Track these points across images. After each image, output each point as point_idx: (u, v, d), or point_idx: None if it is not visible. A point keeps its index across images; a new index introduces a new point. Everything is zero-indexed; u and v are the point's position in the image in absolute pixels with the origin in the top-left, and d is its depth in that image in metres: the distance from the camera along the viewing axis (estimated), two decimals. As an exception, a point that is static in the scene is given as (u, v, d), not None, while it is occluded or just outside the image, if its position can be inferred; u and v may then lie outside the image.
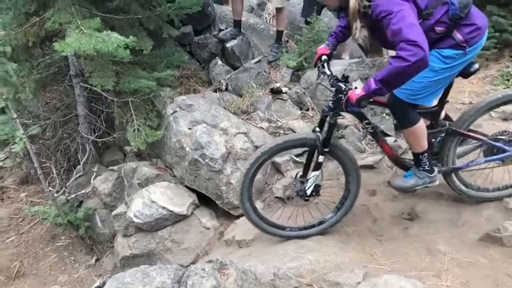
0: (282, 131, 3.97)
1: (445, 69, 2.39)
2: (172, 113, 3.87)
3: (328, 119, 2.63)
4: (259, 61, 4.86)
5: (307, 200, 2.91)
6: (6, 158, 5.62)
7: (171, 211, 3.51)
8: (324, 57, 2.83)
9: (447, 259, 2.63)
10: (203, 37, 5.23)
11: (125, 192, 3.92)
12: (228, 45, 5.07)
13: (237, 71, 4.72)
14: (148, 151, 4.12)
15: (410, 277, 2.43)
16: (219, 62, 4.95)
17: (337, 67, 4.26)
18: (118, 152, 4.62)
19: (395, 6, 2.12)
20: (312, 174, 2.79)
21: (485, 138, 2.81)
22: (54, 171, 4.63)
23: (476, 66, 2.53)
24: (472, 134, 2.79)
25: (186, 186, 3.77)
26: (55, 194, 4.13)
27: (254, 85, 4.43)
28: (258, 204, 3.60)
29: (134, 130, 3.72)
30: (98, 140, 4.31)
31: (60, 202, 4.04)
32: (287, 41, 5.33)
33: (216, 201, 3.64)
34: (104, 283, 2.28)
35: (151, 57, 4.05)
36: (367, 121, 2.72)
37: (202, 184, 3.64)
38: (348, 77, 2.60)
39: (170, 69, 4.03)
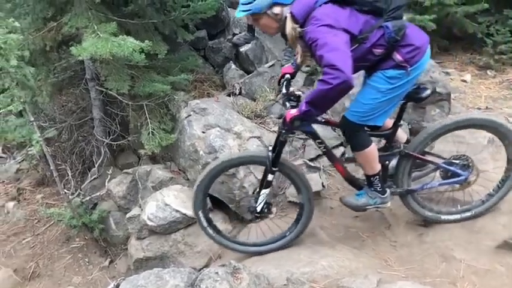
0: (295, 135, 3.96)
1: (391, 89, 2.42)
2: (186, 117, 3.89)
3: (280, 137, 2.67)
4: (272, 65, 4.87)
5: (258, 217, 2.98)
6: (23, 160, 5.71)
7: (185, 214, 3.52)
8: (287, 75, 2.90)
9: (463, 266, 2.60)
10: (217, 41, 5.27)
11: (139, 195, 3.94)
12: (242, 49, 5.09)
13: (250, 75, 4.73)
14: (162, 154, 4.14)
15: (425, 284, 2.41)
16: (233, 66, 4.97)
17: (351, 71, 4.24)
18: (132, 155, 4.65)
19: (321, 33, 2.19)
20: (262, 192, 2.85)
21: (439, 162, 2.84)
22: (70, 174, 4.69)
23: (428, 92, 2.59)
24: (425, 157, 2.81)
25: (200, 190, 3.77)
26: (70, 196, 4.18)
27: (268, 89, 4.43)
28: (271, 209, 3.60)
29: (149, 133, 3.74)
30: (113, 143, 4.35)
31: (75, 204, 4.08)
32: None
33: (229, 205, 3.64)
34: (117, 285, 2.29)
35: (166, 61, 4.08)
36: (319, 140, 2.75)
37: (215, 188, 3.64)
38: (299, 96, 2.65)
39: (184, 73, 4.05)
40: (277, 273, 2.59)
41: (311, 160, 3.81)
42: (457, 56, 6.36)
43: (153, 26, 3.87)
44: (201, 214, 2.96)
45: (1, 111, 3.38)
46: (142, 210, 3.64)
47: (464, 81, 5.56)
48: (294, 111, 2.44)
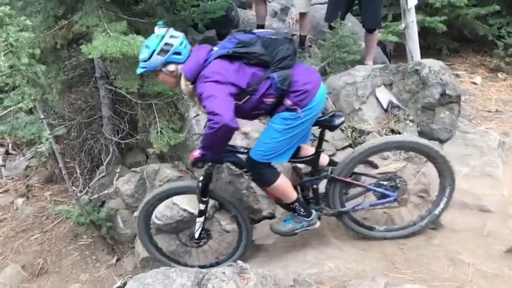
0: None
1: (288, 129, 2.53)
2: (194, 116, 3.90)
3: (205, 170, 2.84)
4: (281, 65, 4.85)
5: (197, 243, 3.15)
6: (32, 158, 5.75)
7: (192, 213, 3.51)
8: None
9: (471, 270, 2.57)
10: (226, 41, 5.26)
11: (147, 194, 3.95)
12: (251, 49, 5.08)
13: (259, 75, 4.72)
14: (170, 153, 4.15)
15: (433, 287, 2.39)
16: (242, 66, 4.96)
17: (360, 72, 4.23)
18: (140, 153, 4.66)
19: (207, 88, 2.36)
20: (197, 220, 3.01)
21: (366, 185, 2.94)
22: (78, 171, 4.71)
23: (342, 119, 2.74)
24: (352, 180, 2.90)
25: (207, 189, 3.78)
26: (78, 194, 4.20)
27: (276, 89, 4.42)
28: (279, 210, 3.60)
29: (157, 132, 3.75)
30: (121, 141, 4.37)
31: (83, 202, 4.10)
32: (310, 46, 5.31)
33: (237, 205, 3.64)
34: (125, 283, 2.30)
35: (175, 61, 4.09)
36: (245, 169, 2.85)
37: (222, 188, 3.65)
38: None
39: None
40: (283, 274, 2.59)
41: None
42: (468, 58, 6.33)
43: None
44: (150, 246, 3.26)
45: (12, 108, 3.41)
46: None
47: (475, 83, 5.53)
48: (196, 153, 2.66)
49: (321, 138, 2.81)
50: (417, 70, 4.06)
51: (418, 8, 5.42)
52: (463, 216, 3.10)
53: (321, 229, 3.17)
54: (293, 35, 2.65)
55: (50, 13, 3.63)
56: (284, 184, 2.74)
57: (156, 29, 2.52)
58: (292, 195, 2.79)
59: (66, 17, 3.64)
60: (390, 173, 3.06)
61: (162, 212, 3.51)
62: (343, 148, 3.88)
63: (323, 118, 2.70)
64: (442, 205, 2.97)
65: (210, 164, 2.78)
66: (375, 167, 3.15)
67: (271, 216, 3.58)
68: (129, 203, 4.11)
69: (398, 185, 2.92)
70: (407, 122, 4.05)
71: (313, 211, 2.90)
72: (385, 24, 5.74)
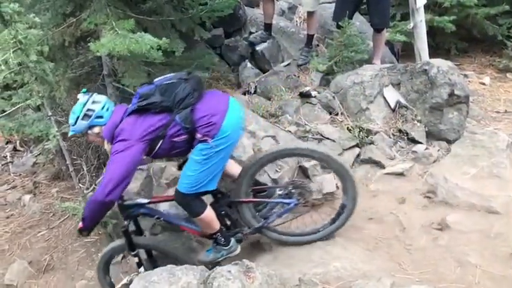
0: (310, 135, 3.94)
1: (206, 159, 2.62)
2: (201, 115, 3.89)
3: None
4: (288, 64, 4.85)
5: None
6: (40, 154, 5.78)
7: (198, 212, 3.52)
8: None
9: (478, 272, 2.56)
10: (233, 40, 5.26)
11: (153, 192, 3.95)
12: (258, 48, 5.08)
13: (266, 74, 4.72)
14: (176, 151, 4.15)
15: (440, 289, 2.37)
16: (249, 64, 4.97)
17: (368, 72, 4.21)
18: (147, 151, 4.67)
19: (114, 149, 2.52)
20: (140, 270, 3.05)
21: (266, 200, 3.05)
22: (85, 169, 4.73)
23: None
24: (252, 199, 3.02)
25: (213, 187, 3.78)
26: (85, 191, 4.22)
27: (283, 88, 4.42)
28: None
29: (163, 130, 3.75)
30: (128, 139, 4.37)
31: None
32: (317, 45, 5.29)
33: (242, 204, 3.64)
34: (131, 281, 2.31)
35: (182, 59, 4.08)
36: (157, 216, 3.07)
37: (228, 186, 3.64)
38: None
39: (201, 71, 4.05)
40: (289, 274, 2.59)
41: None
42: (476, 58, 6.28)
43: (170, 24, 3.88)
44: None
45: (20, 105, 3.43)
46: (155, 206, 3.65)
47: (483, 83, 5.50)
48: (80, 224, 2.80)
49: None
50: (425, 70, 4.03)
51: (427, 8, 5.38)
52: (471, 218, 3.07)
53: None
54: (189, 73, 2.75)
55: (58, 11, 3.64)
56: (210, 215, 2.84)
57: (80, 96, 2.70)
58: (216, 225, 2.90)
59: (75, 14, 3.65)
60: (289, 182, 3.16)
61: (168, 210, 3.51)
62: (350, 148, 3.87)
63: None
64: (338, 223, 3.03)
65: (124, 225, 2.97)
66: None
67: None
68: (135, 200, 4.12)
69: (293, 190, 3.01)
70: (415, 122, 4.03)
71: (232, 238, 3.01)
72: (393, 23, 5.71)
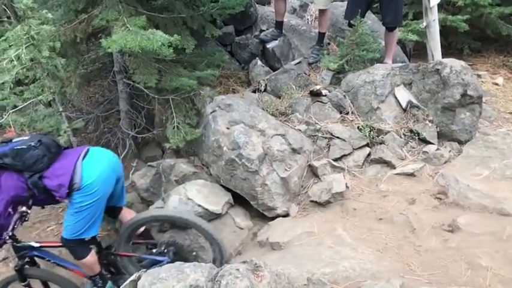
0: (320, 134, 3.92)
1: (77, 212, 2.80)
2: (211, 112, 3.90)
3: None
4: (299, 63, 4.83)
5: None
6: (50, 150, 5.82)
7: (206, 209, 3.53)
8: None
9: (490, 275, 2.52)
10: (244, 37, 5.25)
11: (162, 188, 3.97)
12: (269, 46, 5.06)
13: (276, 72, 4.70)
14: (186, 149, 4.15)
15: (450, 291, 2.35)
16: (259, 62, 4.95)
17: (379, 71, 4.18)
18: (157, 148, 4.68)
19: None
20: None
21: (139, 255, 3.29)
22: (95, 165, 4.75)
23: (124, 203, 3.27)
24: (125, 254, 3.26)
25: (222, 185, 3.77)
26: (95, 187, 4.23)
27: (293, 87, 4.40)
28: (293, 208, 3.58)
29: (174, 127, 3.76)
30: (138, 135, 4.39)
31: (99, 195, 4.13)
32: (328, 43, 5.27)
33: (251, 202, 3.63)
34: (139, 277, 2.31)
35: (192, 56, 4.09)
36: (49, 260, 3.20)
37: (237, 184, 3.64)
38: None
39: (211, 69, 4.05)
40: (297, 273, 2.57)
41: (335, 160, 3.77)
42: (490, 58, 6.21)
43: (181, 21, 3.88)
44: None
45: (31, 100, 3.45)
46: (165, 203, 3.66)
47: (496, 84, 5.43)
48: None
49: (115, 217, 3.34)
50: (438, 70, 3.99)
51: (440, 7, 5.33)
52: (482, 220, 3.03)
53: (336, 228, 3.15)
54: (39, 140, 2.81)
55: (70, 7, 3.66)
56: (92, 259, 3.06)
57: None
58: (97, 269, 3.14)
59: (86, 11, 3.66)
60: (166, 241, 3.35)
61: (177, 207, 3.52)
62: (361, 147, 3.84)
63: (111, 205, 3.13)
64: None
65: (16, 263, 3.10)
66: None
67: (286, 215, 3.56)
68: (144, 197, 4.13)
69: (167, 250, 3.27)
70: (427, 122, 3.99)
71: (110, 281, 3.23)
72: (406, 22, 5.66)
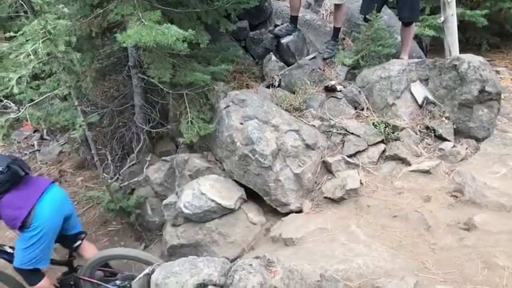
0: (334, 130, 3.89)
1: (26, 247, 2.93)
2: (225, 107, 3.90)
3: None
4: (314, 58, 4.79)
5: None
6: (65, 143, 5.90)
7: (220, 204, 3.53)
8: None
9: (506, 274, 2.48)
10: (258, 32, 5.23)
11: (176, 183, 3.98)
12: (283, 41, 5.03)
13: (291, 67, 4.68)
14: (199, 144, 4.16)
15: (466, 290, 2.31)
16: (273, 57, 4.93)
17: (395, 67, 4.12)
18: (170, 143, 4.71)
19: None
20: None
21: (103, 284, 3.35)
22: (109, 158, 4.80)
23: (79, 242, 3.28)
24: (89, 279, 3.32)
25: (235, 181, 3.78)
26: (109, 181, 4.27)
27: (308, 82, 4.37)
28: (306, 204, 3.57)
29: (188, 122, 3.77)
30: (152, 130, 4.42)
31: (113, 188, 4.17)
32: (343, 38, 5.21)
33: (264, 197, 3.63)
34: (153, 271, 2.32)
35: (207, 51, 4.09)
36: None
37: (250, 179, 3.64)
38: None
39: (225, 64, 4.04)
40: (310, 269, 2.56)
41: (350, 156, 3.74)
42: (509, 54, 6.10)
43: (196, 15, 3.88)
44: None
45: (47, 94, 3.48)
46: (178, 197, 3.68)
47: (515, 80, 5.32)
48: None
49: (70, 254, 3.41)
50: (455, 65, 3.92)
51: (458, 1, 5.24)
52: (500, 218, 2.98)
53: (350, 225, 3.13)
54: (7, 166, 2.89)
55: (86, 1, 3.69)
56: (45, 285, 3.17)
57: None
58: None
59: (102, 5, 3.68)
60: (128, 276, 3.40)
61: (191, 202, 3.54)
62: (375, 144, 3.81)
63: (67, 235, 3.26)
64: None
65: None
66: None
67: (299, 211, 3.55)
68: (158, 191, 4.16)
69: (128, 285, 3.28)
70: (443, 119, 3.93)
71: None
72: (422, 17, 5.58)
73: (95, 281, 3.36)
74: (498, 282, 2.43)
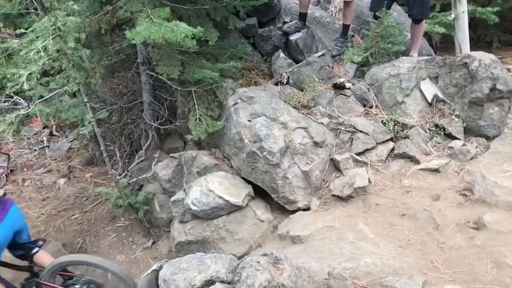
0: (343, 128, 3.88)
1: None
2: (233, 105, 3.89)
3: None
4: (322, 55, 4.77)
5: None
6: (75, 139, 5.94)
7: (227, 201, 3.54)
8: None
9: (516, 274, 2.45)
10: (267, 29, 5.22)
11: (184, 180, 3.99)
12: (292, 38, 5.02)
13: (299, 64, 4.66)
14: (207, 141, 4.17)
15: (475, 290, 2.29)
16: (282, 54, 4.92)
17: (405, 64, 4.09)
18: (179, 139, 4.72)
19: None
20: None
21: (59, 287, 3.32)
22: (118, 155, 4.83)
23: (36, 249, 3.27)
24: (49, 284, 3.29)
25: (243, 178, 3.78)
26: (117, 177, 4.29)
27: (316, 79, 4.35)
28: (314, 202, 3.56)
29: (196, 119, 3.77)
30: (161, 127, 4.43)
31: (122, 185, 4.19)
32: (353, 36, 5.18)
33: (272, 195, 3.63)
34: (160, 267, 2.33)
35: (215, 48, 4.08)
36: None
37: (258, 176, 3.64)
38: None
39: (233, 61, 4.04)
40: (318, 267, 2.56)
41: (358, 154, 3.72)
42: (520, 52, 6.02)
43: (204, 12, 3.88)
44: None
45: (57, 91, 3.51)
46: (186, 194, 3.69)
47: (527, 78, 5.25)
48: None
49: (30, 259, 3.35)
50: (466, 63, 3.88)
51: (469, -2, 5.19)
52: (510, 217, 2.95)
53: (358, 223, 3.11)
54: None
55: (95, -2, 3.71)
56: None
57: None
58: None
59: (111, 2, 3.69)
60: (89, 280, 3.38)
61: (199, 199, 3.54)
62: (384, 142, 3.78)
63: (24, 244, 3.26)
64: None
65: None
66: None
67: (306, 208, 3.55)
68: (166, 187, 4.17)
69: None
70: (453, 117, 3.90)
71: None
72: (432, 14, 5.53)
73: (55, 285, 3.39)
74: (508, 282, 2.41)
